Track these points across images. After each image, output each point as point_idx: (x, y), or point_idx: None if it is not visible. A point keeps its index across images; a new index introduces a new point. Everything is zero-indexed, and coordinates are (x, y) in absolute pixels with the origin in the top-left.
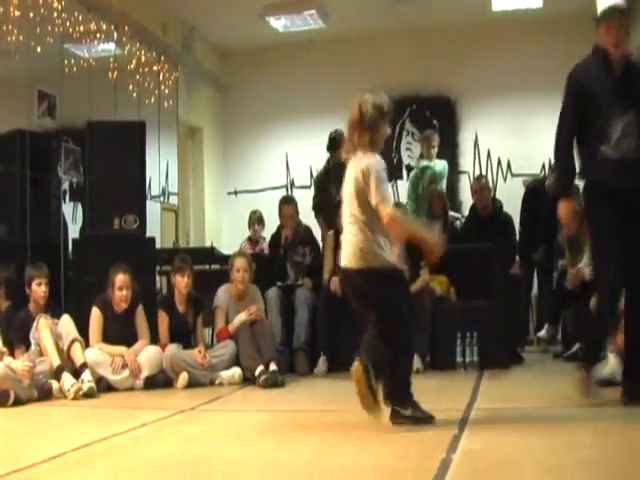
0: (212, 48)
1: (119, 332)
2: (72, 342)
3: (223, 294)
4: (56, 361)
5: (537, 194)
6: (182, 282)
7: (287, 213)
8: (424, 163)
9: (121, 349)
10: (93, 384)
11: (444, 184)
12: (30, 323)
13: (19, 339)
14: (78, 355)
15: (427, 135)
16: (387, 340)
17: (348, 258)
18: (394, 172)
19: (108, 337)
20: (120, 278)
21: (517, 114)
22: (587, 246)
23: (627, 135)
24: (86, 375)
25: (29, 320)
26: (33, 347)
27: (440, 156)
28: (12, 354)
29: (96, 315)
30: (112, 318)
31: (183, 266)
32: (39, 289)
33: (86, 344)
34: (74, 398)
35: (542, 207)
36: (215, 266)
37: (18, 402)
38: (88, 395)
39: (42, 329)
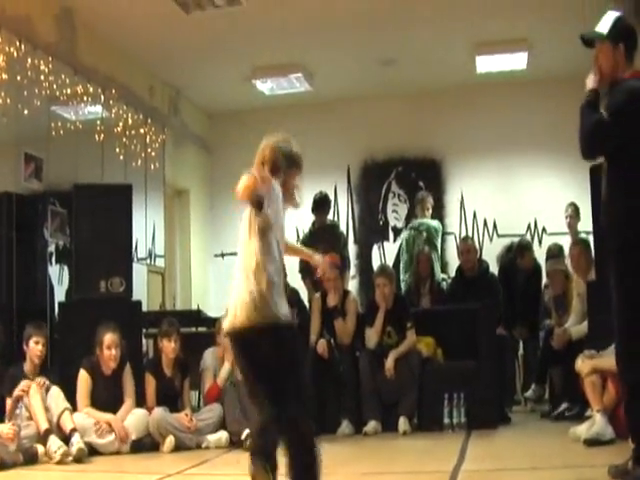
0: (198, 110)
1: (107, 394)
2: (62, 412)
3: (210, 356)
4: (44, 425)
5: (511, 271)
6: (169, 347)
7: None
8: (419, 221)
9: (108, 416)
10: (83, 445)
11: (439, 242)
12: (21, 380)
13: (9, 393)
14: (67, 422)
15: (422, 197)
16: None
17: (234, 314)
18: (380, 234)
19: (96, 399)
20: (109, 337)
21: (502, 175)
22: (573, 306)
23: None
24: (76, 439)
25: (20, 377)
26: (18, 411)
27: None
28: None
29: (83, 378)
30: (100, 380)
31: (170, 330)
32: (36, 347)
33: (74, 407)
34: (60, 461)
35: (517, 283)
36: (202, 328)
37: (3, 466)
38: (77, 458)
39: (33, 395)
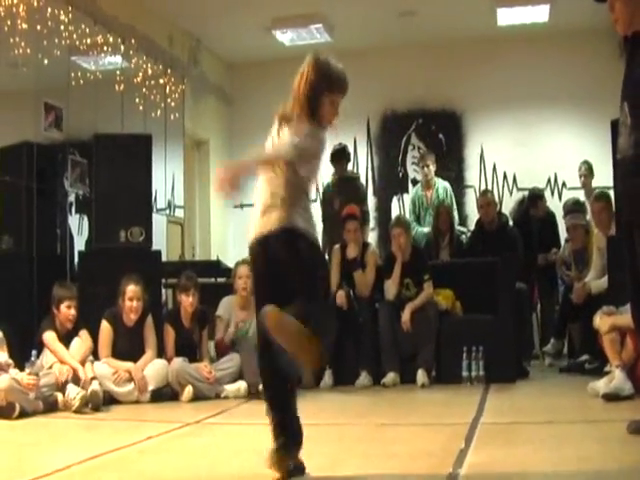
0: (218, 61)
1: (128, 345)
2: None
3: (225, 304)
4: (76, 364)
5: (525, 222)
6: (187, 301)
7: None
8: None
9: (129, 365)
10: (98, 389)
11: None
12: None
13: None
14: (88, 371)
15: (421, 155)
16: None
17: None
18: (399, 186)
19: (118, 350)
20: (131, 289)
21: (523, 128)
22: (593, 260)
23: (620, 134)
24: (94, 385)
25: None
26: (38, 360)
27: (446, 170)
28: (18, 366)
29: (105, 329)
30: (122, 331)
31: (187, 284)
32: (68, 312)
33: (95, 357)
34: (79, 408)
35: (533, 233)
36: (221, 279)
37: (24, 414)
38: (95, 405)
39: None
